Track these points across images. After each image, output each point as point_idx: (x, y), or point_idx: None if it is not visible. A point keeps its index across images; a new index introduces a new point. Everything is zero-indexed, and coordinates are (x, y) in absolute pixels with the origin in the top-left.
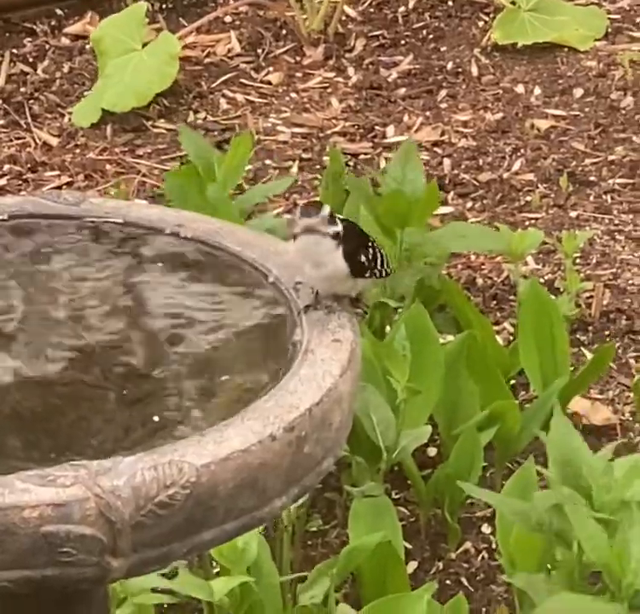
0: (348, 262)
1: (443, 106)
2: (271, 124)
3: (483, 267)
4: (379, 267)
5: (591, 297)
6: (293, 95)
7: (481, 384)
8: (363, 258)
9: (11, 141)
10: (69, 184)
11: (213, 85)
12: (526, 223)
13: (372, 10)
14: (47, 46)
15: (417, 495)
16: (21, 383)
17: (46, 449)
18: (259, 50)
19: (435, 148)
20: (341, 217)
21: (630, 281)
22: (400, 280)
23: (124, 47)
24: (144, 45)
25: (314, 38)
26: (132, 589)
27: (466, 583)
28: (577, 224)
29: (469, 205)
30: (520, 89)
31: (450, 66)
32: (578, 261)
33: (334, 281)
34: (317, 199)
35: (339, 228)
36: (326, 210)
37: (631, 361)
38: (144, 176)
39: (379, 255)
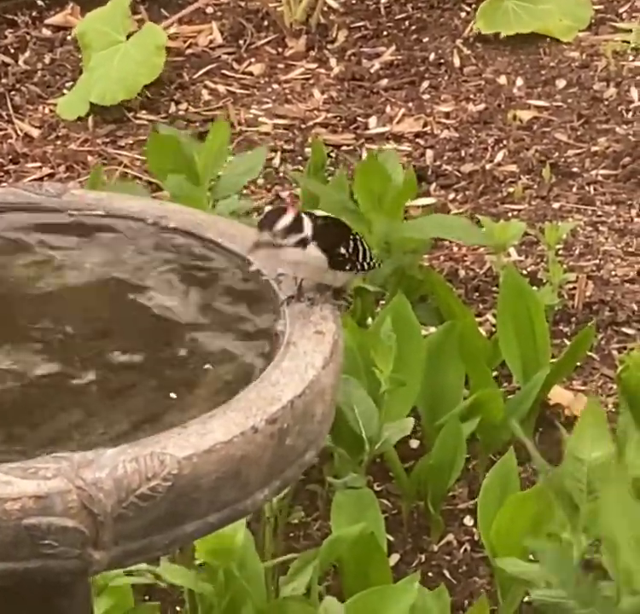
0: (326, 254)
1: (425, 97)
2: (253, 116)
3: (465, 258)
4: (360, 260)
5: (574, 288)
6: (275, 86)
7: (466, 373)
8: (342, 250)
9: None
10: (51, 175)
11: (195, 76)
12: (509, 214)
13: (354, 1)
14: (28, 37)
15: (400, 487)
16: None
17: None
18: (241, 41)
19: (417, 139)
20: (319, 213)
21: (613, 272)
22: (379, 268)
23: (108, 39)
24: (128, 37)
25: (296, 29)
26: (113, 575)
27: (448, 575)
28: (560, 215)
29: (452, 196)
30: (502, 80)
31: (432, 57)
32: (560, 252)
33: (315, 273)
34: (299, 191)
35: (304, 234)
36: (287, 219)
37: (614, 352)
38: (126, 167)
39: (361, 248)
